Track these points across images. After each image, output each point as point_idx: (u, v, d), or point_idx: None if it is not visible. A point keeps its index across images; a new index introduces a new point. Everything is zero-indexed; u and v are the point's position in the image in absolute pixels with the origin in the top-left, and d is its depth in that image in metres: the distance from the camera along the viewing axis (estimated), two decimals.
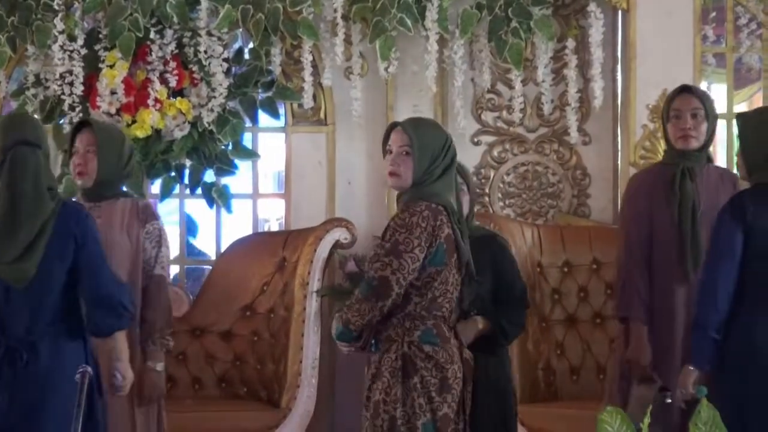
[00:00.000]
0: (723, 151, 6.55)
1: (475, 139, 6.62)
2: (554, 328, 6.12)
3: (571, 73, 6.34)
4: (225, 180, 6.56)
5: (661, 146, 5.45)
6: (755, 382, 4.16)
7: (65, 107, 6.16)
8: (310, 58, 6.29)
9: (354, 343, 4.06)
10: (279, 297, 6.18)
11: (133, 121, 6.13)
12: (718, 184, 5.02)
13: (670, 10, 6.21)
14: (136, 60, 6.19)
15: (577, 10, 6.46)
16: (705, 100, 5.04)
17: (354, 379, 5.93)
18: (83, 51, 6.15)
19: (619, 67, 6.46)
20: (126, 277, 4.64)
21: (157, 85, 6.13)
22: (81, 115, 6.13)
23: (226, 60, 6.22)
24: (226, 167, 6.44)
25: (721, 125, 5.80)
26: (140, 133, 6.14)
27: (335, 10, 6.20)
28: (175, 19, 6.18)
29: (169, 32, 6.19)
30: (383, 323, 3.99)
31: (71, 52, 6.15)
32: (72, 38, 6.17)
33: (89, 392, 3.88)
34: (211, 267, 6.64)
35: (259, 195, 6.80)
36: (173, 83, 6.15)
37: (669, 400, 4.31)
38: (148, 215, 4.83)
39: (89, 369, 3.89)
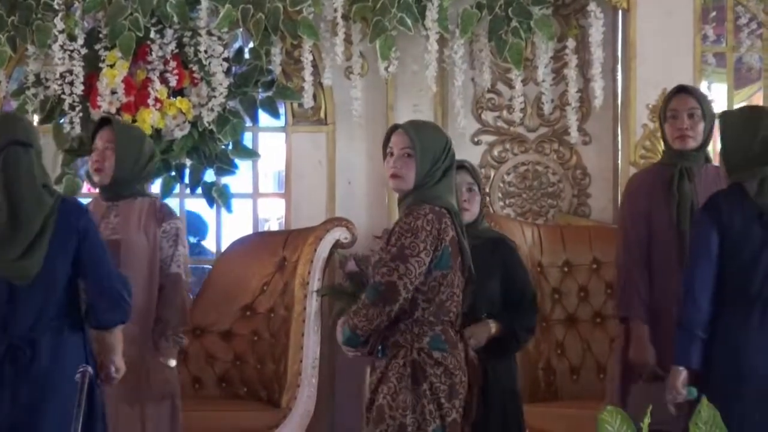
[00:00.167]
0: None
1: (476, 139, 6.62)
2: (554, 328, 6.12)
3: (571, 72, 6.34)
4: (225, 179, 6.56)
5: (661, 146, 5.45)
6: (741, 385, 4.15)
7: (65, 107, 6.16)
8: (311, 57, 6.29)
9: (361, 349, 4.06)
10: (279, 297, 6.18)
11: (134, 121, 6.12)
12: (716, 183, 5.01)
13: (670, 9, 6.21)
14: (136, 59, 6.19)
15: (578, 9, 6.46)
16: (702, 100, 5.05)
17: (354, 379, 5.96)
18: (83, 50, 6.15)
19: (619, 66, 6.45)
20: (143, 276, 4.67)
21: (158, 84, 6.13)
22: (81, 114, 6.14)
23: (226, 59, 6.22)
24: (226, 167, 6.44)
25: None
26: None
27: (335, 10, 6.20)
28: (176, 19, 6.18)
29: (169, 32, 6.19)
30: (390, 328, 3.98)
31: (71, 51, 6.15)
32: (72, 38, 6.17)
33: (90, 391, 3.88)
34: (211, 266, 6.64)
35: (259, 195, 6.80)
36: (173, 83, 6.15)
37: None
38: (165, 214, 4.86)
39: (89, 369, 3.90)
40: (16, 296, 4.05)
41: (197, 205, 6.89)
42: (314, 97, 6.39)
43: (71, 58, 6.15)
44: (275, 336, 6.15)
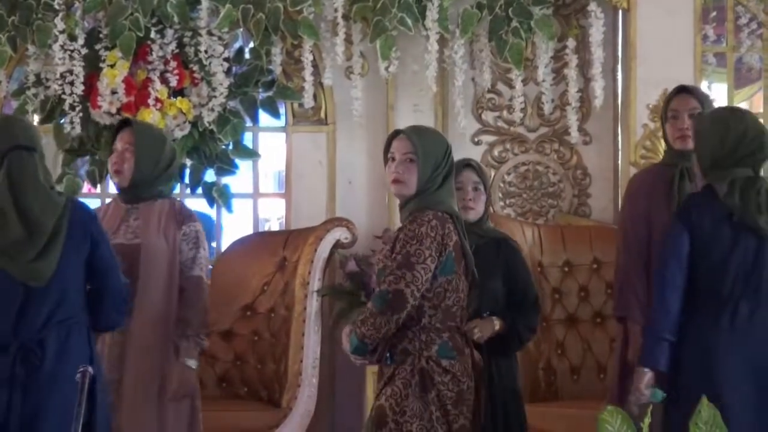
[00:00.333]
0: None
1: (476, 139, 6.62)
2: (555, 328, 6.12)
3: (571, 72, 6.34)
4: (225, 179, 6.56)
5: (662, 146, 5.45)
6: (711, 386, 4.14)
7: (66, 107, 6.16)
8: (311, 57, 6.29)
9: (369, 357, 4.06)
10: (279, 297, 6.18)
11: None
12: None
13: (671, 9, 6.21)
14: (136, 59, 6.19)
15: (578, 9, 6.46)
16: (703, 100, 5.05)
17: (354, 379, 5.96)
18: (84, 50, 6.15)
19: (619, 66, 6.45)
20: (163, 279, 4.69)
21: (158, 84, 6.13)
22: (81, 114, 6.14)
23: (226, 59, 6.22)
24: (226, 167, 6.44)
25: None
26: None
27: (336, 10, 6.20)
28: (176, 19, 6.18)
29: (169, 32, 6.19)
30: (398, 335, 3.97)
31: (72, 51, 6.15)
32: (72, 38, 6.17)
33: (91, 391, 3.89)
34: (211, 266, 6.64)
35: (259, 194, 6.80)
36: (174, 83, 6.15)
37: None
38: (185, 216, 4.84)
39: (90, 369, 3.90)
40: (30, 298, 4.07)
41: (197, 205, 6.88)
42: (314, 97, 6.39)
43: (71, 58, 6.14)
44: (276, 336, 6.15)
